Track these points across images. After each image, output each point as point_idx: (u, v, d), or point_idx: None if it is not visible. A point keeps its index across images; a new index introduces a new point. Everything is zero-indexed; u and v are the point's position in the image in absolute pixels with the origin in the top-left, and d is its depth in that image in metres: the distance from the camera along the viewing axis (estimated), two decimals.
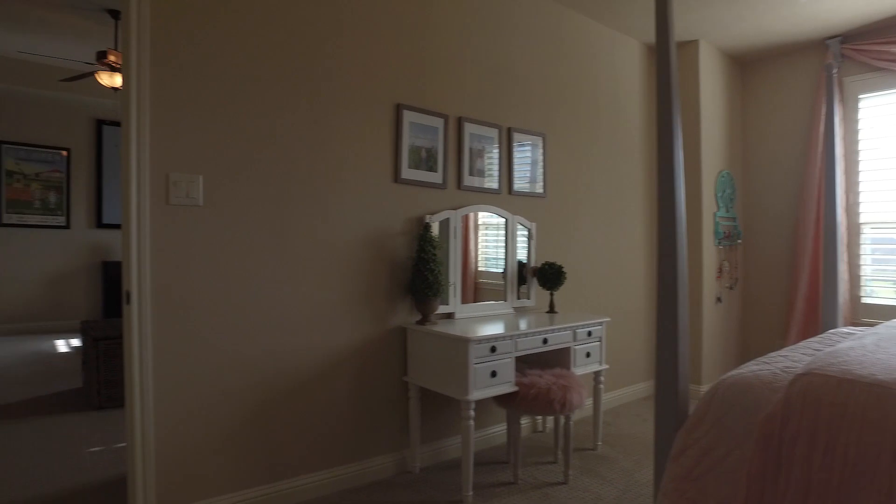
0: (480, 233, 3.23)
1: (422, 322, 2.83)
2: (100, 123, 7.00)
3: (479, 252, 3.24)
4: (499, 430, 3.38)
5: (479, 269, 3.23)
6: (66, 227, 6.78)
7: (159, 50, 2.22)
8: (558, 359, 3.06)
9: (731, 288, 4.66)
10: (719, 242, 4.50)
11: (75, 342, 6.10)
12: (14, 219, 6.48)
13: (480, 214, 3.23)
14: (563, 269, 3.63)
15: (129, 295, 2.17)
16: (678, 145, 1.69)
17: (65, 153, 6.81)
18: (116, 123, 7.08)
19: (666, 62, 1.70)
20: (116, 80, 5.11)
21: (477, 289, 3.20)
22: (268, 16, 2.49)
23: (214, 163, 2.36)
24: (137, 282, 2.17)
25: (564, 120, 3.79)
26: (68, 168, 6.81)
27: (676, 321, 1.62)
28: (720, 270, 4.53)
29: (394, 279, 2.89)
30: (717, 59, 4.54)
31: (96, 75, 5.11)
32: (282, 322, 2.54)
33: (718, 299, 4.50)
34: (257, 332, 2.47)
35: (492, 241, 3.28)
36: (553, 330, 2.90)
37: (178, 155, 2.27)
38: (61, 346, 5.94)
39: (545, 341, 2.86)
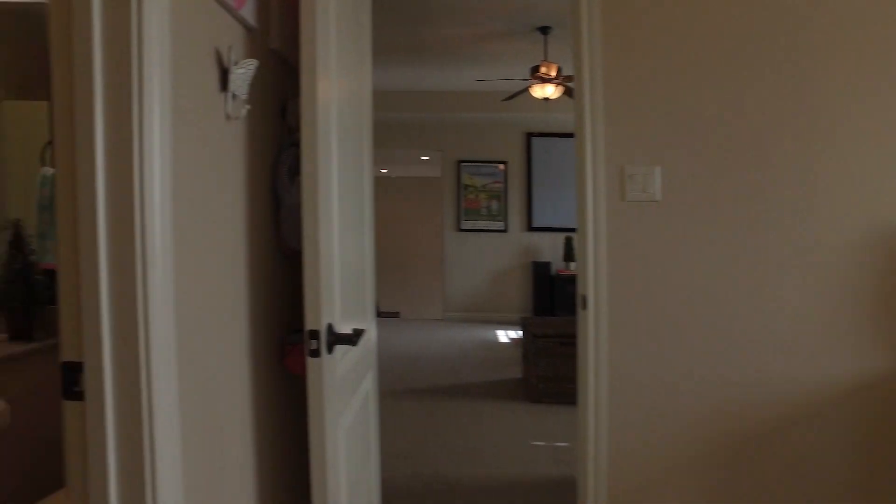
0: None
1: None
2: (529, 136, 7.71)
3: None
4: None
5: None
6: (504, 230, 7.71)
7: (609, 44, 2.04)
8: None
9: None
10: None
11: (512, 334, 6.81)
12: (468, 225, 7.73)
13: None
14: None
15: (584, 299, 2.05)
16: None
17: (501, 167, 7.74)
18: (544, 135, 7.68)
19: None
20: (547, 91, 5.44)
21: None
22: None
23: (672, 151, 2.06)
24: (594, 286, 2.03)
25: None
26: (505, 179, 7.72)
27: None
28: None
29: None
30: None
31: (529, 89, 5.55)
32: (752, 340, 2.06)
33: None
34: (721, 349, 2.06)
35: None
36: None
37: (633, 146, 2.06)
38: (501, 336, 6.71)
39: None
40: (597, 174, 2.04)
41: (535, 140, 7.70)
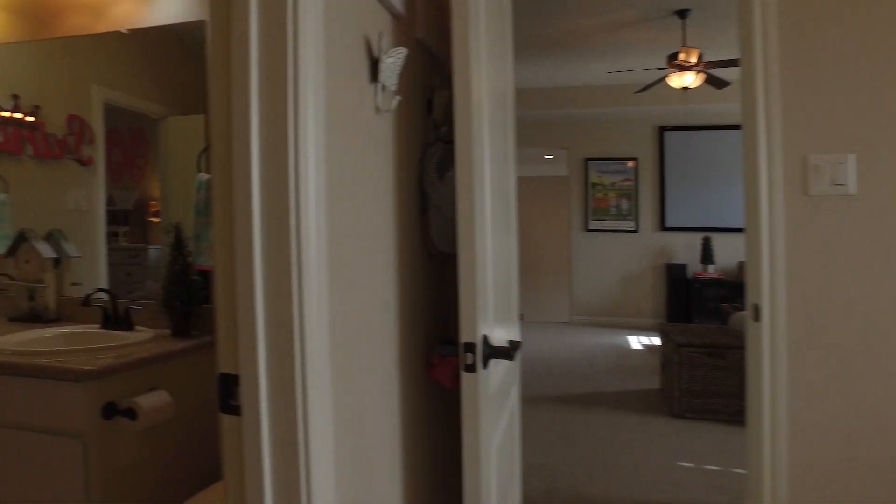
0: None
1: None
2: (661, 131, 7.21)
3: None
4: None
5: None
6: (635, 230, 7.27)
7: (787, 15, 1.75)
8: None
9: None
10: None
11: (645, 340, 6.39)
12: (596, 224, 7.38)
13: None
14: None
15: (757, 309, 1.78)
16: None
17: (631, 163, 7.31)
18: (679, 128, 7.15)
19: None
20: (686, 80, 5.02)
21: None
22: None
23: (871, 135, 1.73)
24: (770, 294, 1.75)
25: None
26: (636, 176, 7.28)
27: None
28: None
29: None
30: None
31: (666, 79, 5.16)
32: None
33: None
34: None
35: None
36: None
37: (818, 132, 1.75)
38: (633, 342, 6.32)
39: None
40: (772, 165, 1.76)
41: (668, 134, 7.19)
